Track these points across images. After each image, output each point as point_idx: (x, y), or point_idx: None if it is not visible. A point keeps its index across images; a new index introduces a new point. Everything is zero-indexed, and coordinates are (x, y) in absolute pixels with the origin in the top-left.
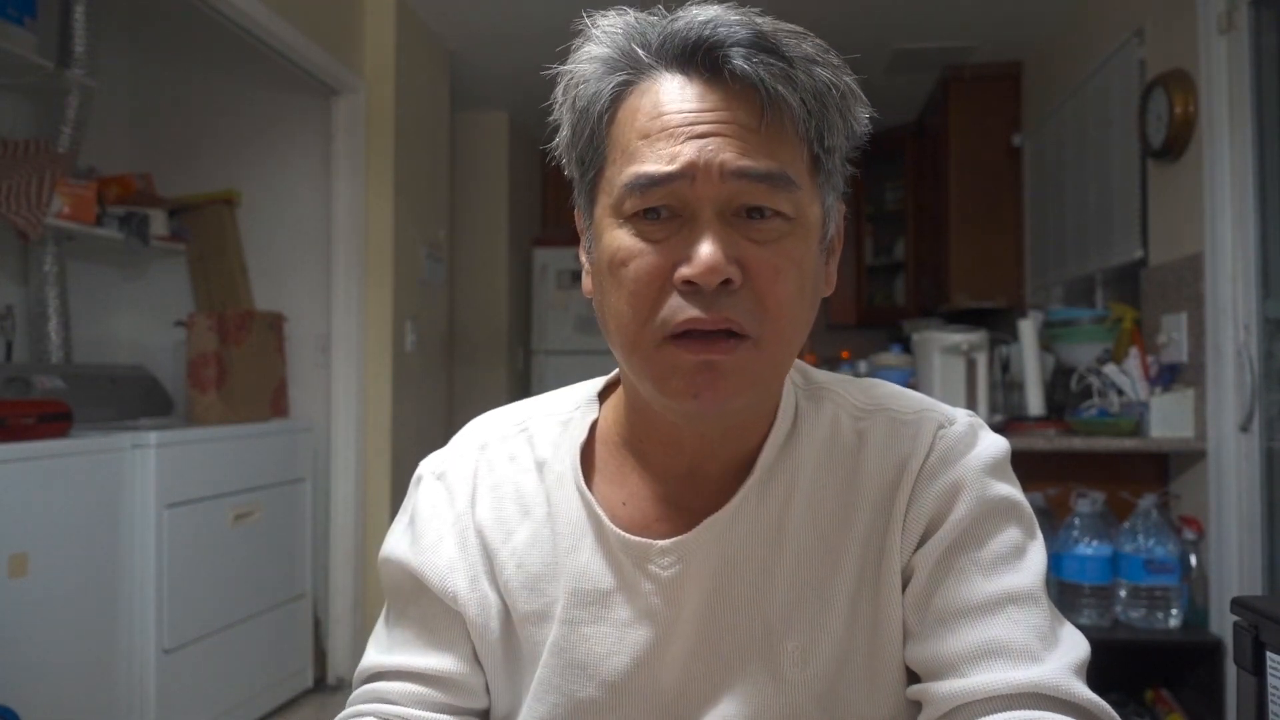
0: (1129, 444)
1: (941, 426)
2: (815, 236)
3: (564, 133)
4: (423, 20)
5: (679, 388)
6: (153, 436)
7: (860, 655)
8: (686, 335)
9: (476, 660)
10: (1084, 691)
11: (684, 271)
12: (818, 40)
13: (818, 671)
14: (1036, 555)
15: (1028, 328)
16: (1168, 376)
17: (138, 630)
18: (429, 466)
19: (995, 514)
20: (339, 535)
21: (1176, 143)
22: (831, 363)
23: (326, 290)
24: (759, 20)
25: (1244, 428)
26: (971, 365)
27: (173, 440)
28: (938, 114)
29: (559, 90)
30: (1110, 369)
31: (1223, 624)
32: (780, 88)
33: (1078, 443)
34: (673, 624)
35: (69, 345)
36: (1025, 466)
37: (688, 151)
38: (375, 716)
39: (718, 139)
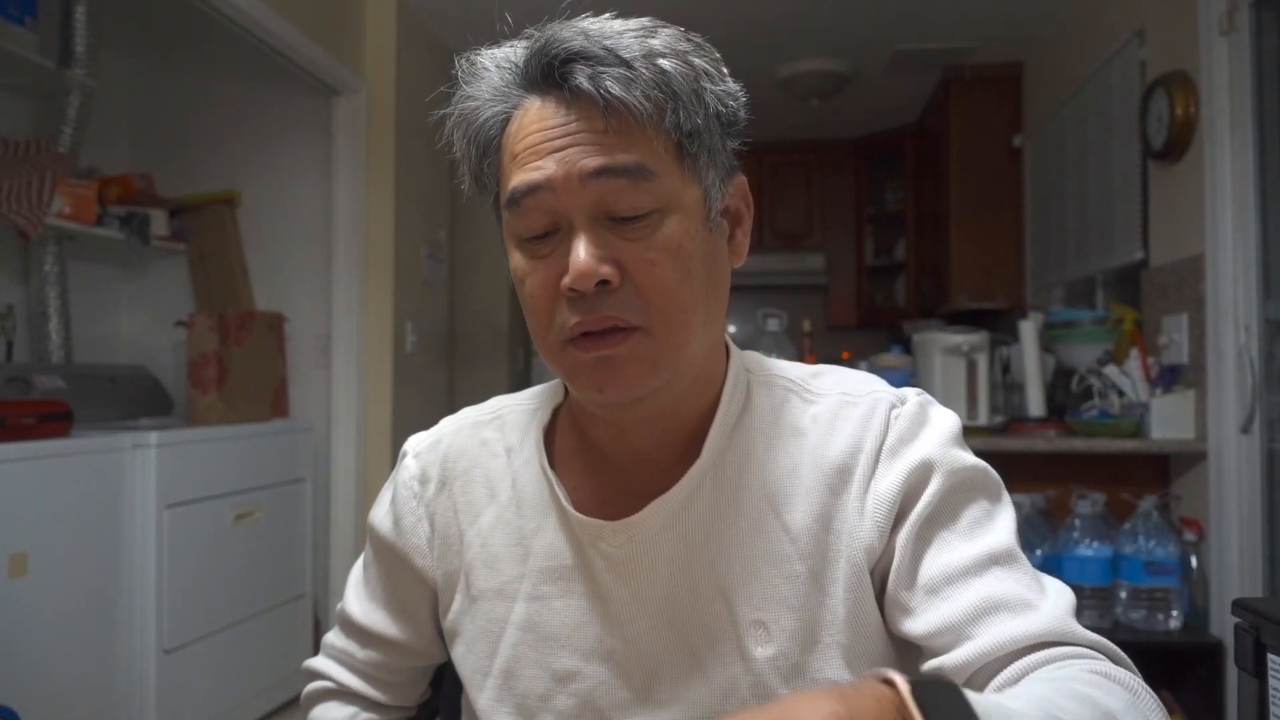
0: (1129, 445)
1: (894, 407)
2: (697, 218)
3: (462, 168)
4: (423, 20)
5: (585, 383)
6: (153, 436)
7: (831, 634)
8: (582, 336)
9: (435, 628)
10: (1088, 634)
11: (564, 281)
12: (672, 30)
13: (783, 649)
14: (1007, 516)
15: (1028, 329)
16: (1168, 378)
17: (138, 630)
18: (412, 445)
19: (966, 485)
20: (339, 535)
21: (1177, 144)
22: (832, 363)
23: (327, 290)
24: (605, 25)
25: (1245, 429)
26: (972, 366)
27: (173, 440)
28: (938, 115)
29: (448, 130)
30: (1111, 370)
31: (1223, 625)
32: (617, 92)
33: (1078, 444)
34: (629, 602)
35: (69, 345)
36: (1026, 468)
37: (549, 165)
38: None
39: (573, 148)
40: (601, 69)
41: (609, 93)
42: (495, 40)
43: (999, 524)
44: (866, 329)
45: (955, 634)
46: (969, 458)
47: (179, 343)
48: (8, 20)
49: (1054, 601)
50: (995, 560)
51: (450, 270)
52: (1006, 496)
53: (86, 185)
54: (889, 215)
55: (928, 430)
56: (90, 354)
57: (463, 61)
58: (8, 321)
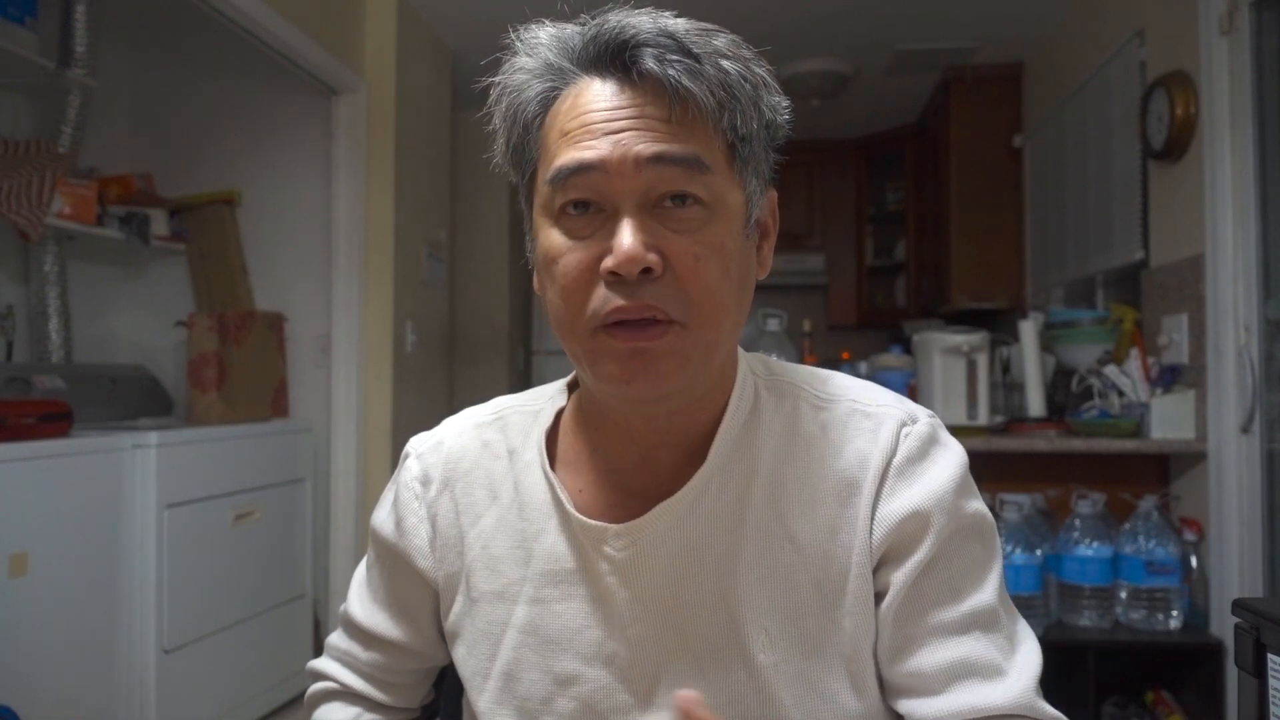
0: (1130, 445)
1: (904, 425)
2: (738, 221)
3: (500, 141)
4: (423, 20)
5: (613, 373)
6: (153, 436)
7: (835, 644)
8: (617, 324)
9: (437, 630)
10: (1049, 711)
11: (607, 263)
12: (731, 36)
13: (786, 655)
14: (996, 569)
15: (1028, 329)
16: (1168, 378)
17: (138, 630)
18: (414, 446)
19: (962, 535)
20: (339, 535)
21: (1177, 144)
22: (832, 363)
23: (326, 290)
24: (671, 21)
25: (1245, 429)
26: (972, 366)
27: (173, 440)
28: (939, 115)
29: (492, 101)
30: (1111, 370)
31: (1223, 626)
32: (686, 82)
33: (1078, 444)
34: (631, 605)
35: (69, 345)
36: (1026, 468)
37: (603, 146)
38: (337, 683)
39: (631, 133)
40: (672, 57)
41: (679, 81)
42: (542, 20)
43: (988, 579)
44: (866, 329)
45: (924, 683)
46: (971, 505)
47: (179, 343)
48: (8, 20)
49: (1021, 668)
50: (978, 621)
51: (450, 270)
52: (998, 544)
53: (86, 185)
54: (889, 215)
55: (936, 463)
56: (90, 354)
57: (518, 30)
58: (8, 321)
